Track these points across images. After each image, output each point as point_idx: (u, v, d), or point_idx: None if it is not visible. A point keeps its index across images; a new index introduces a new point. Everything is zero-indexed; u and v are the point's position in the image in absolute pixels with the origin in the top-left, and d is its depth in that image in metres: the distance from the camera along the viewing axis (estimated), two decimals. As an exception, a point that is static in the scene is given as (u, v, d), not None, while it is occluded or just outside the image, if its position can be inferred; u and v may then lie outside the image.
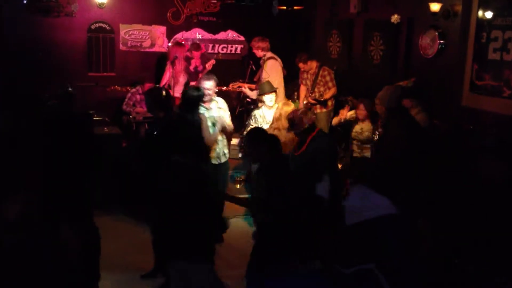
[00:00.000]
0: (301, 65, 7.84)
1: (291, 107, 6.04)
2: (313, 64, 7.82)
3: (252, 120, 6.52)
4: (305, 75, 7.98)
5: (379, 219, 2.38)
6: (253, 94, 7.90)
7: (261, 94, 6.60)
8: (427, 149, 4.93)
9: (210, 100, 5.97)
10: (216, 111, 6.04)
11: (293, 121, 5.12)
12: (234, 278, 4.70)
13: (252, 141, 4.41)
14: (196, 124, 5.61)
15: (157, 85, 7.95)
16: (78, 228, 3.44)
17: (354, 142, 6.64)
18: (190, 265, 3.79)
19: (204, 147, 5.56)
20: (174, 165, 3.96)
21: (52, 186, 4.69)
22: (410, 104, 5.86)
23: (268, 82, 6.79)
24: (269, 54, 7.85)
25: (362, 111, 6.41)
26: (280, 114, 6.10)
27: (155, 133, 5.29)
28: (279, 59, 7.90)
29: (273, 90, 6.58)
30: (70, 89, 6.28)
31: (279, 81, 7.67)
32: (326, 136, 5.45)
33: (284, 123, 5.89)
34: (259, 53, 7.87)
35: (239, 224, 6.30)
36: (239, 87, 8.46)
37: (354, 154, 6.90)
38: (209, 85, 5.90)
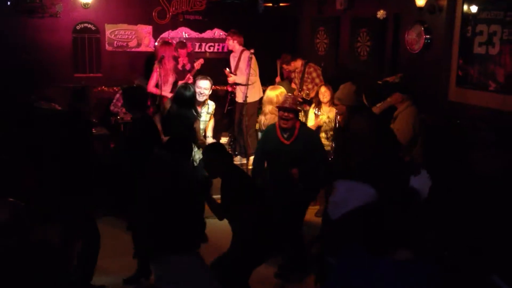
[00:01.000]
0: (284, 66, 7.92)
1: (278, 90, 6.08)
2: (297, 63, 7.86)
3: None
4: (292, 74, 8.04)
5: (364, 207, 2.39)
6: (236, 79, 7.91)
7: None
8: (392, 139, 5.08)
9: (204, 103, 5.99)
10: (204, 116, 6.07)
11: (288, 98, 5.25)
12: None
13: (206, 156, 4.55)
14: (188, 122, 5.61)
15: (134, 85, 7.92)
16: (69, 226, 3.42)
17: (322, 134, 6.75)
18: (178, 257, 3.79)
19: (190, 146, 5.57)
20: (158, 158, 3.97)
21: (47, 183, 4.70)
22: (400, 98, 5.92)
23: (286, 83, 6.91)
24: (243, 48, 7.97)
25: (326, 93, 6.74)
26: (267, 97, 6.14)
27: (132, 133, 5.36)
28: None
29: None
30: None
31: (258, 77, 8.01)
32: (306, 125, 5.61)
33: (268, 107, 5.95)
34: (236, 46, 7.97)
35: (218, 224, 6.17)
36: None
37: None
38: (205, 84, 5.93)
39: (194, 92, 5.79)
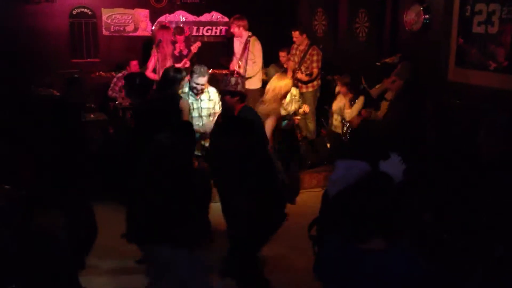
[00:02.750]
0: (297, 34, 7.77)
1: (283, 81, 5.87)
2: (305, 40, 7.82)
3: None
4: (293, 51, 7.97)
5: (360, 183, 2.38)
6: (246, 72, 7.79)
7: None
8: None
9: (202, 91, 5.93)
10: (206, 102, 6.01)
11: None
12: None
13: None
14: (172, 102, 5.47)
15: (135, 71, 7.91)
16: (65, 215, 3.42)
17: (336, 117, 6.81)
18: (172, 251, 3.70)
19: (185, 126, 5.49)
20: (155, 144, 3.88)
21: (44, 171, 4.70)
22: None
23: (274, 67, 6.82)
24: (250, 33, 7.75)
25: (342, 87, 6.99)
26: (272, 87, 5.82)
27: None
28: (255, 38, 7.83)
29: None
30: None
31: (261, 63, 7.80)
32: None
33: (269, 96, 5.78)
34: (240, 31, 7.77)
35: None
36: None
37: (336, 130, 7.06)
38: (202, 81, 5.81)
39: (181, 78, 5.64)
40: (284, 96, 5.86)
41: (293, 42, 7.96)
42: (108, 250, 5.22)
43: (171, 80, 5.47)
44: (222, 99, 5.28)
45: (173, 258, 3.68)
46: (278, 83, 5.75)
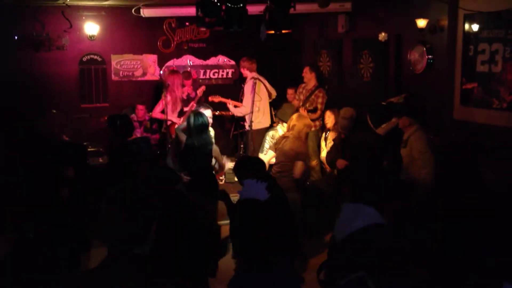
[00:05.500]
0: (307, 70, 7.92)
1: (305, 120, 6.10)
2: (313, 80, 7.94)
3: (266, 141, 6.59)
4: (300, 89, 8.09)
5: (368, 228, 2.42)
6: (236, 111, 7.92)
7: (282, 120, 6.72)
8: None
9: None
10: None
11: None
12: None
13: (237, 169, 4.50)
14: (205, 151, 5.60)
15: (142, 115, 8.15)
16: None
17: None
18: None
19: (212, 176, 5.57)
20: (176, 195, 3.91)
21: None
22: (407, 122, 5.92)
23: (292, 106, 6.88)
24: (255, 74, 7.87)
25: (329, 117, 6.99)
26: (294, 125, 6.09)
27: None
28: (264, 80, 7.96)
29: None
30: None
31: (267, 102, 7.89)
32: None
33: (295, 133, 5.95)
34: (244, 72, 7.96)
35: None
36: (222, 103, 8.42)
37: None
38: (209, 113, 5.95)
39: (208, 122, 5.78)
40: (306, 136, 6.02)
41: (299, 82, 8.08)
42: None
43: (205, 126, 5.60)
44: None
45: None
46: (299, 122, 6.04)
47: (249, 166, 4.45)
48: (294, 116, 6.25)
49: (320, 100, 7.81)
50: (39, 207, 4.78)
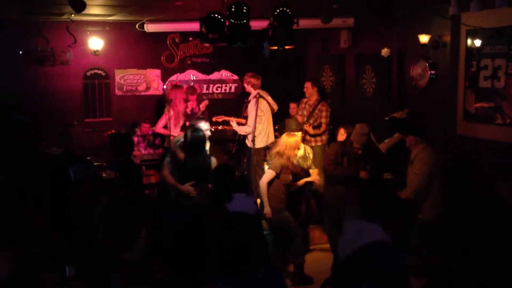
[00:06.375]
0: (309, 85, 7.88)
1: (294, 138, 6.03)
2: (314, 95, 7.90)
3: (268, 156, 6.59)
4: (303, 105, 8.06)
5: (373, 245, 2.41)
6: (240, 129, 7.88)
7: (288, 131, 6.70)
8: None
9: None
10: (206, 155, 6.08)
11: None
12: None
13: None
14: (206, 165, 5.58)
15: (145, 132, 8.15)
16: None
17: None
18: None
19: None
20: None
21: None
22: (413, 141, 5.89)
23: (296, 120, 6.85)
24: (259, 91, 7.83)
25: (343, 135, 6.67)
26: (285, 142, 6.00)
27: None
28: (268, 97, 7.93)
29: (300, 128, 6.69)
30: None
31: (270, 118, 7.82)
32: None
33: (288, 152, 5.91)
34: (248, 88, 7.90)
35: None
36: (225, 121, 8.41)
37: None
38: (206, 126, 5.94)
39: (205, 136, 5.75)
40: (292, 153, 5.96)
41: (301, 96, 8.08)
42: None
43: (200, 142, 5.59)
44: None
45: None
46: (287, 139, 5.94)
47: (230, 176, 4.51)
48: (284, 135, 6.19)
49: (323, 113, 7.79)
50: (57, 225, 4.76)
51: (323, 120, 7.76)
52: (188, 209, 4.59)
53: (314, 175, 6.58)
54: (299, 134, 6.47)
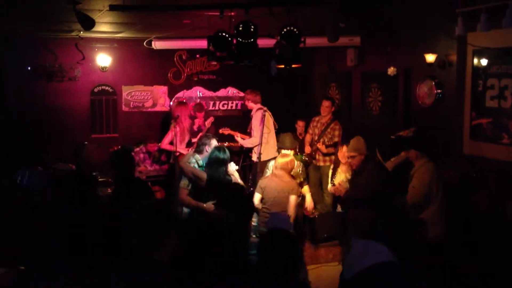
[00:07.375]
0: (329, 104, 7.92)
1: (288, 158, 6.03)
2: (329, 114, 7.92)
3: (268, 170, 6.57)
4: (314, 123, 8.04)
5: (377, 266, 2.40)
6: (245, 143, 7.93)
7: (282, 147, 6.69)
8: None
9: None
10: None
11: None
12: None
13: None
14: (225, 182, 5.58)
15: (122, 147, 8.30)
16: None
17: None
18: None
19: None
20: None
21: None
22: (415, 155, 5.81)
23: (290, 136, 6.87)
24: (260, 106, 7.88)
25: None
26: (279, 163, 6.01)
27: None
28: (269, 112, 7.96)
29: (294, 146, 6.70)
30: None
31: (274, 134, 7.83)
32: None
33: (280, 172, 5.89)
34: (249, 104, 7.96)
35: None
36: (231, 136, 8.45)
37: None
38: (216, 142, 5.97)
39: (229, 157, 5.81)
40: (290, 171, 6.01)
41: (308, 114, 8.07)
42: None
43: (222, 161, 5.60)
44: None
45: None
46: (284, 160, 5.96)
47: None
48: (278, 156, 6.23)
49: (337, 132, 7.78)
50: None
51: (336, 139, 7.73)
52: (209, 222, 4.56)
53: (305, 193, 6.59)
54: (292, 153, 6.47)
